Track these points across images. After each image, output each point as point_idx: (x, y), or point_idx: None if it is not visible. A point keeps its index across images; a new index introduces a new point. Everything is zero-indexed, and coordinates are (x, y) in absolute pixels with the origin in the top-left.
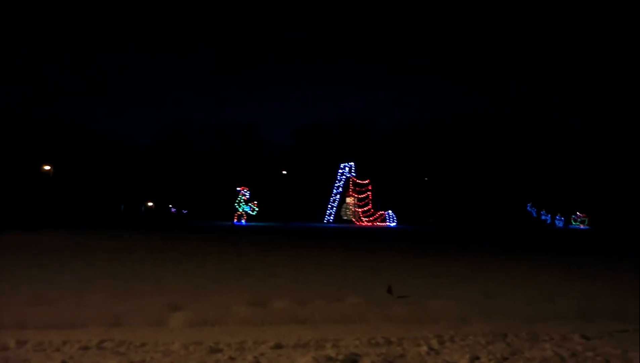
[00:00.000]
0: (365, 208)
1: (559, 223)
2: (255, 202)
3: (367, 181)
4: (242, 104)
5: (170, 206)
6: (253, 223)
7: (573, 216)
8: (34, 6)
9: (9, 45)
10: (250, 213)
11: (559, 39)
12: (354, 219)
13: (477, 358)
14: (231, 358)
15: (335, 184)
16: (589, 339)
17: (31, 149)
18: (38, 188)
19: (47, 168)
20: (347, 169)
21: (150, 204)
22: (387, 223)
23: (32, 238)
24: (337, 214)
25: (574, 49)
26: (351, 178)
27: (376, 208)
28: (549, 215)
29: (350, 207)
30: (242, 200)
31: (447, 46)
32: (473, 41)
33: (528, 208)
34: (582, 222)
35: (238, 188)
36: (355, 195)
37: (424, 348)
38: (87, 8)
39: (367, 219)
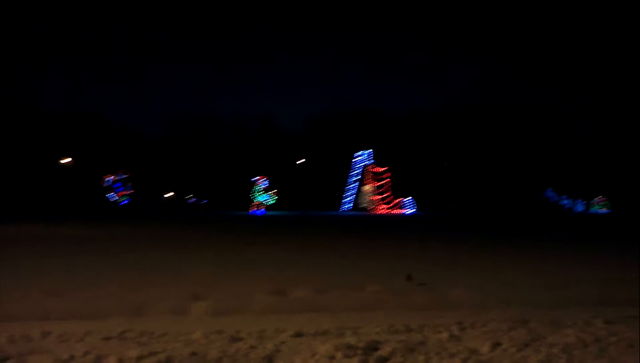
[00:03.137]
0: (383, 195)
1: (580, 208)
2: (275, 191)
3: (385, 168)
4: (255, 93)
5: (191, 196)
6: (272, 212)
7: (594, 200)
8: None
9: (12, 39)
10: (267, 202)
11: (574, 26)
12: (370, 207)
13: (499, 344)
14: (252, 347)
15: (352, 172)
16: (612, 324)
17: (50, 142)
18: (57, 180)
19: (67, 160)
20: (364, 156)
21: (169, 194)
22: (404, 211)
23: (50, 230)
24: (355, 202)
25: (588, 35)
26: (370, 165)
27: (395, 195)
28: (571, 200)
29: (368, 195)
30: (258, 190)
31: (461, 34)
32: (488, 29)
33: (549, 193)
34: (604, 206)
35: (253, 178)
36: (375, 183)
37: (445, 334)
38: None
39: (385, 206)
